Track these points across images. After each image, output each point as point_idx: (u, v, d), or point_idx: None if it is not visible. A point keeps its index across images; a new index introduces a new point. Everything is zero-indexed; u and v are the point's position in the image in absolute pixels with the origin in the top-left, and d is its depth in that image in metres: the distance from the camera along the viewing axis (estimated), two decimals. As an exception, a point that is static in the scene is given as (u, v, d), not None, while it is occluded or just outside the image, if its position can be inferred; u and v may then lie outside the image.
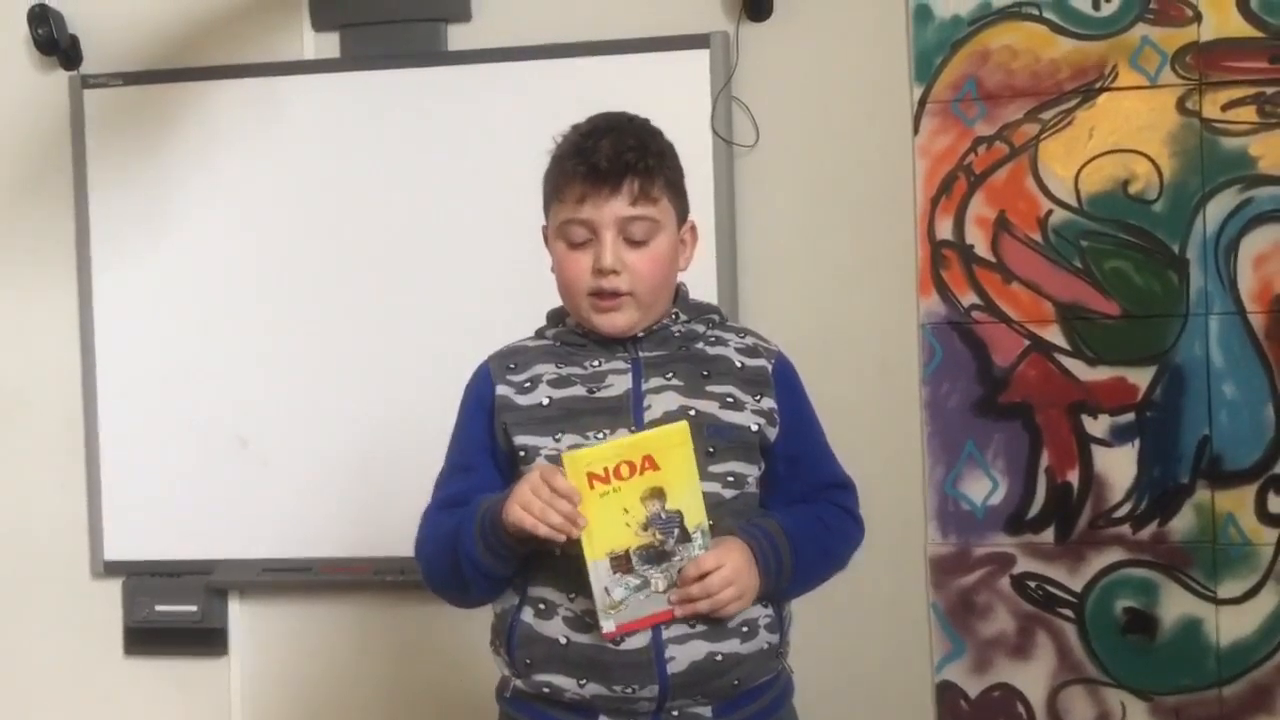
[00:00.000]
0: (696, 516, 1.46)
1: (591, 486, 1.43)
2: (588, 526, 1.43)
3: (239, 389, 2.64)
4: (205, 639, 2.69)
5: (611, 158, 1.51)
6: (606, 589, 1.45)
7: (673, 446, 1.44)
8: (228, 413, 2.65)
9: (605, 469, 1.43)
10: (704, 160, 2.42)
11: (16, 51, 2.74)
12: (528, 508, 1.42)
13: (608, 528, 1.44)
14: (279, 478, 2.63)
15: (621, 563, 1.44)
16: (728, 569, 1.46)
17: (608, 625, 1.45)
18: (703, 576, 1.45)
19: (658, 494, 1.45)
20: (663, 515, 1.45)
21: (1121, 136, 2.40)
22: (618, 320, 1.54)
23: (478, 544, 1.48)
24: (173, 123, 2.65)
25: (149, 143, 2.66)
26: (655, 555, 1.45)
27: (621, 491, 1.44)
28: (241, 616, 2.71)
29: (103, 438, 2.69)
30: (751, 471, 1.57)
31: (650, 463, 1.44)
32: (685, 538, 1.46)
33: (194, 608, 2.66)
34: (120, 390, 2.69)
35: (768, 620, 1.54)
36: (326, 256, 2.61)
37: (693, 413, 1.52)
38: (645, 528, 1.45)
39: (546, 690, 1.52)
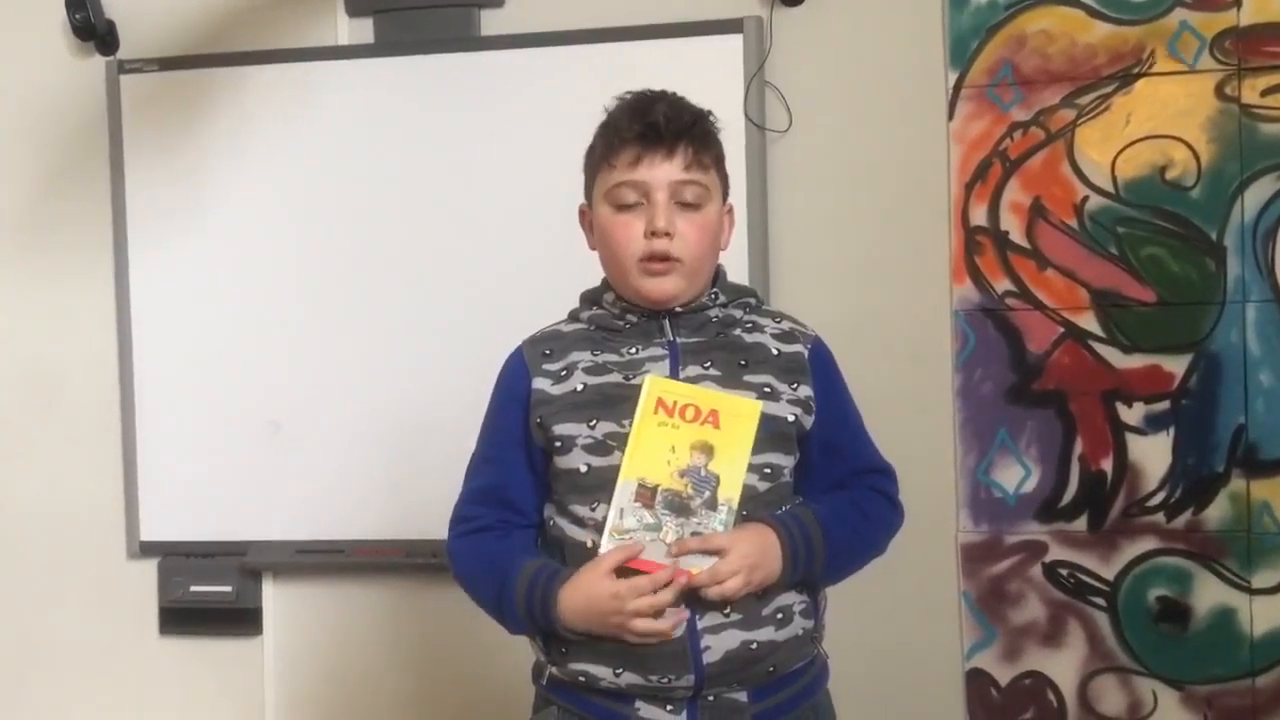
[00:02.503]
0: (731, 490, 1.48)
1: (655, 412, 1.48)
2: (633, 446, 1.48)
3: (272, 373, 2.66)
4: (240, 619, 2.72)
5: (670, 118, 1.53)
6: (621, 510, 1.48)
7: (740, 416, 1.49)
8: (261, 396, 2.67)
9: (675, 402, 1.49)
10: (737, 146, 2.39)
11: (54, 37, 2.76)
12: (604, 621, 1.46)
13: (650, 456, 1.48)
14: (312, 460, 2.65)
15: (646, 495, 1.47)
16: (734, 556, 1.45)
17: (606, 545, 1.48)
18: (707, 552, 1.46)
19: (707, 450, 1.48)
20: (702, 471, 1.48)
21: (1159, 122, 2.37)
22: (666, 286, 1.54)
23: (523, 620, 1.52)
24: (208, 108, 2.67)
25: (185, 128, 2.68)
26: (679, 506, 1.47)
27: (678, 430, 1.48)
28: (275, 597, 2.73)
29: (139, 421, 2.72)
30: (788, 463, 1.57)
31: (714, 419, 1.49)
32: (712, 504, 1.48)
33: (229, 588, 2.69)
34: (156, 374, 2.72)
35: (802, 606, 1.55)
36: (359, 241, 2.62)
37: None
38: (682, 474, 1.48)
39: (582, 679, 1.52)
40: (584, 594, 1.47)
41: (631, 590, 1.44)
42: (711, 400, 1.50)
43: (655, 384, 1.50)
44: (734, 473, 1.48)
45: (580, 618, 1.47)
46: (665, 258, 1.52)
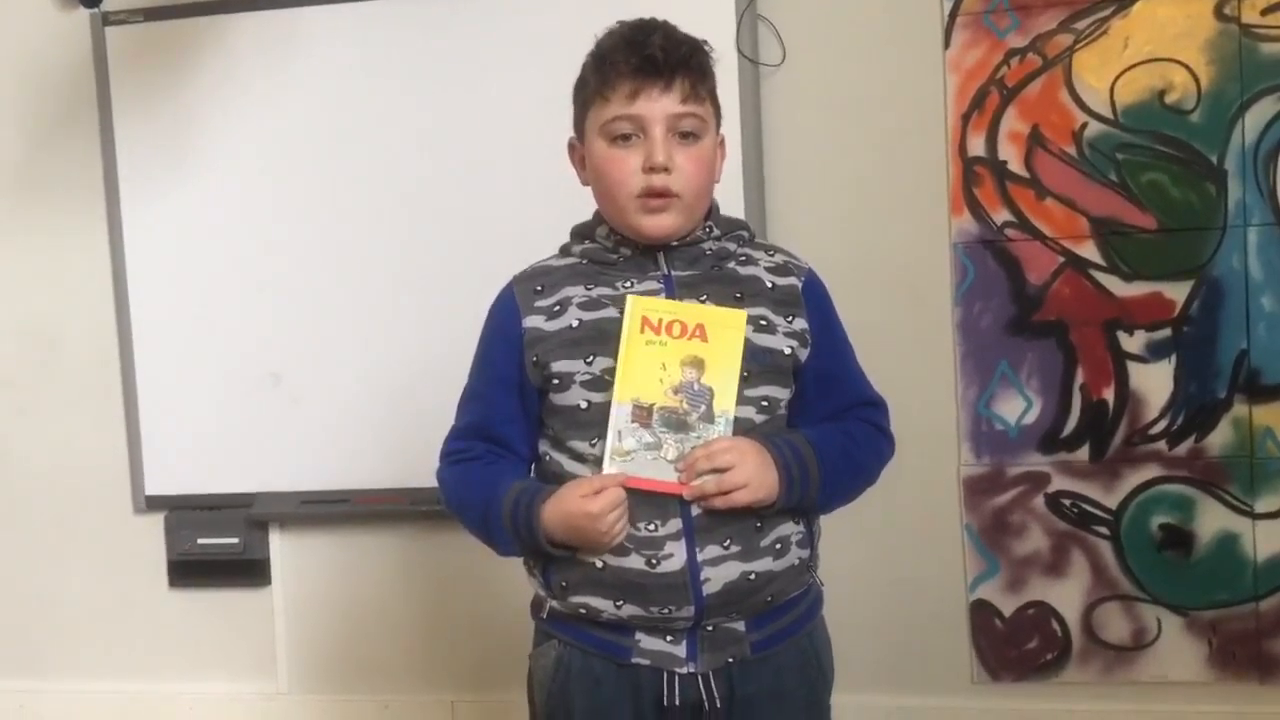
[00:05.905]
0: (726, 402, 1.49)
1: (642, 331, 1.49)
2: (623, 368, 1.48)
3: (271, 324, 2.66)
4: (248, 570, 2.74)
5: (667, 49, 1.49)
6: (619, 433, 1.48)
7: (726, 327, 1.50)
8: (260, 348, 2.67)
9: (659, 320, 1.49)
10: (730, 81, 2.38)
11: (38, -10, 2.74)
12: (584, 536, 1.47)
13: (641, 376, 1.48)
14: (314, 412, 2.65)
15: (642, 415, 1.48)
16: (734, 453, 1.46)
17: (608, 468, 1.49)
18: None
19: (697, 364, 1.49)
20: (695, 386, 1.49)
21: (1157, 45, 2.34)
22: (665, 222, 1.52)
23: (510, 537, 1.53)
24: (195, 58, 2.64)
25: (172, 79, 2.66)
26: (676, 423, 1.48)
27: (667, 347, 1.49)
28: (282, 547, 2.75)
29: (139, 375, 2.73)
30: (784, 395, 1.56)
31: (701, 332, 1.49)
32: (709, 418, 1.48)
33: (235, 540, 2.71)
34: (154, 328, 2.72)
35: (799, 537, 1.55)
36: (354, 188, 2.61)
37: None
38: (676, 391, 1.49)
39: (583, 611, 1.53)
40: (563, 510, 1.48)
41: (605, 503, 1.45)
42: (697, 314, 1.50)
43: (638, 303, 1.50)
44: (727, 384, 1.49)
45: (560, 531, 1.49)
46: (664, 193, 1.50)
